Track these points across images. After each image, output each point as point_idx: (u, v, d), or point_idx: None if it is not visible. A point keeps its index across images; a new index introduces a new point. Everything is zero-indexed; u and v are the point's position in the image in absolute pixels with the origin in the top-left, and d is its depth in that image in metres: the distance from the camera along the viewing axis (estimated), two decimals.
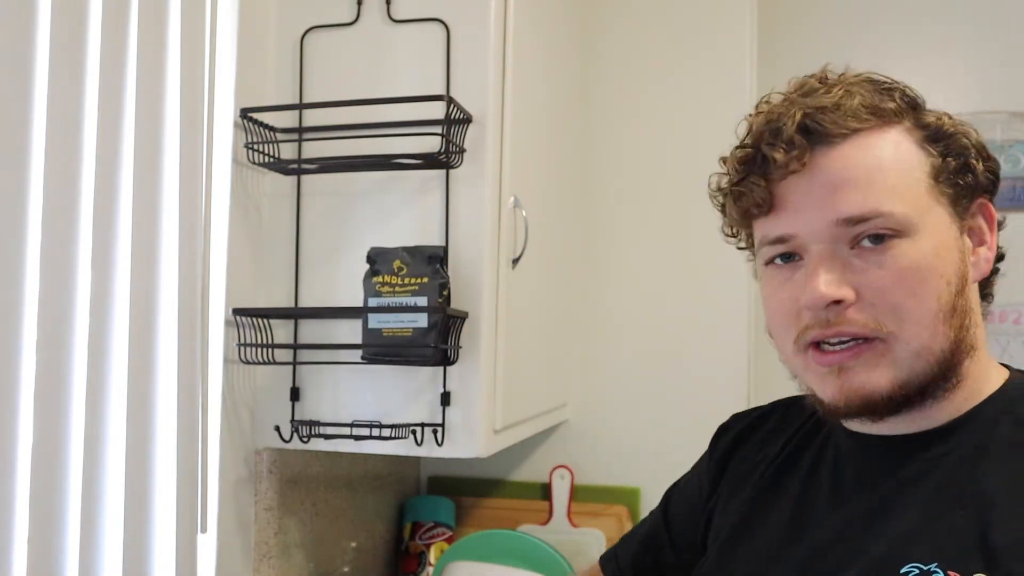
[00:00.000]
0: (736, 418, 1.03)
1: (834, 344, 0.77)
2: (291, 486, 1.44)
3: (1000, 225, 0.84)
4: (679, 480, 1.10)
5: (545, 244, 1.62)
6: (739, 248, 0.91)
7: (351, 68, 1.37)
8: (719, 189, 0.87)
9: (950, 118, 0.81)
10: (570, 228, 1.86)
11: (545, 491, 1.94)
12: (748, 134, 0.82)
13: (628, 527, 1.88)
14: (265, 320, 1.29)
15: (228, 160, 1.30)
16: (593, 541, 1.86)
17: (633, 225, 1.97)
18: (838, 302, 0.76)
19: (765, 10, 2.04)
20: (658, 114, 1.97)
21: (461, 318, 1.29)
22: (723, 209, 0.87)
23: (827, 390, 0.78)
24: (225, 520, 1.30)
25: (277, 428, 1.35)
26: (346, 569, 1.63)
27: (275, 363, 1.31)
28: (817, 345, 0.78)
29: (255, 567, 1.37)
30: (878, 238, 0.76)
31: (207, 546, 1.24)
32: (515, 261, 1.42)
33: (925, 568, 0.72)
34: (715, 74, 1.94)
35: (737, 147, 0.83)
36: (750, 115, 0.84)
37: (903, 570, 0.73)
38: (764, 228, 0.81)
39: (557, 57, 1.75)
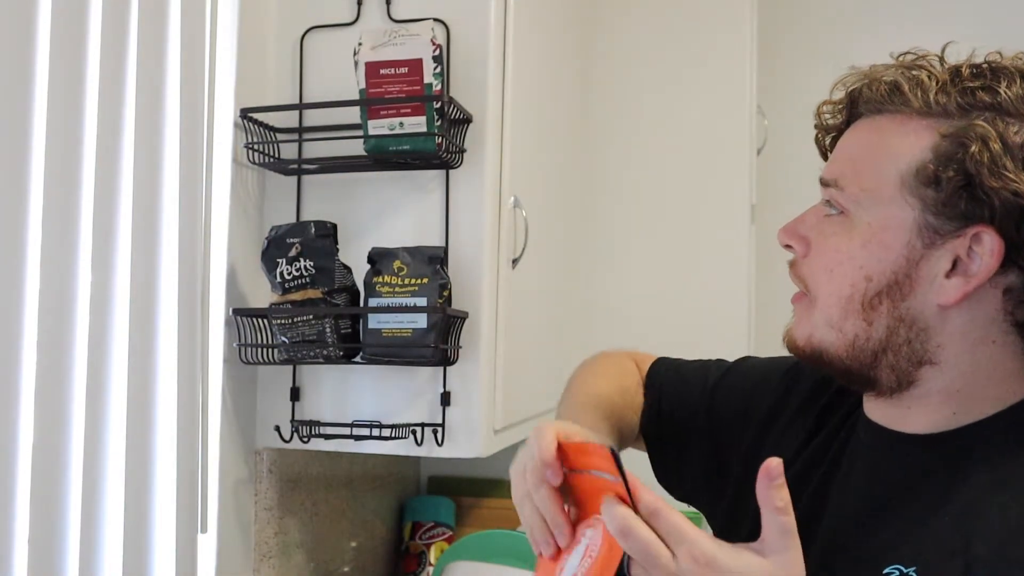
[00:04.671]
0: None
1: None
2: (291, 486, 1.44)
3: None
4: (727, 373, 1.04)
5: (545, 244, 1.62)
6: None
7: (351, 68, 1.37)
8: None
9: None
10: (570, 228, 1.86)
11: None
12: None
13: None
14: (265, 320, 1.29)
15: (228, 160, 1.30)
16: None
17: (633, 224, 1.97)
18: (789, 247, 0.82)
19: (765, 10, 2.04)
20: (658, 113, 1.97)
21: (461, 318, 1.28)
22: None
23: None
24: (225, 520, 1.30)
25: (277, 428, 1.35)
26: (346, 569, 1.63)
27: (275, 363, 1.31)
28: None
29: (255, 567, 1.37)
30: (832, 208, 0.79)
31: (207, 546, 1.24)
32: (515, 261, 1.42)
33: (905, 571, 0.71)
34: (715, 73, 1.94)
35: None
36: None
37: (885, 571, 0.72)
38: None
39: (557, 57, 1.74)
